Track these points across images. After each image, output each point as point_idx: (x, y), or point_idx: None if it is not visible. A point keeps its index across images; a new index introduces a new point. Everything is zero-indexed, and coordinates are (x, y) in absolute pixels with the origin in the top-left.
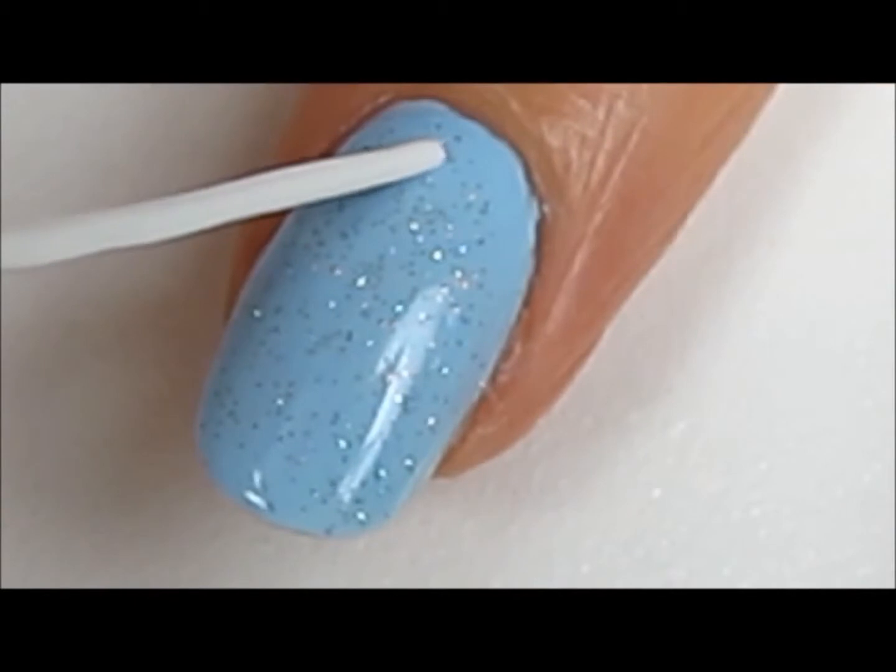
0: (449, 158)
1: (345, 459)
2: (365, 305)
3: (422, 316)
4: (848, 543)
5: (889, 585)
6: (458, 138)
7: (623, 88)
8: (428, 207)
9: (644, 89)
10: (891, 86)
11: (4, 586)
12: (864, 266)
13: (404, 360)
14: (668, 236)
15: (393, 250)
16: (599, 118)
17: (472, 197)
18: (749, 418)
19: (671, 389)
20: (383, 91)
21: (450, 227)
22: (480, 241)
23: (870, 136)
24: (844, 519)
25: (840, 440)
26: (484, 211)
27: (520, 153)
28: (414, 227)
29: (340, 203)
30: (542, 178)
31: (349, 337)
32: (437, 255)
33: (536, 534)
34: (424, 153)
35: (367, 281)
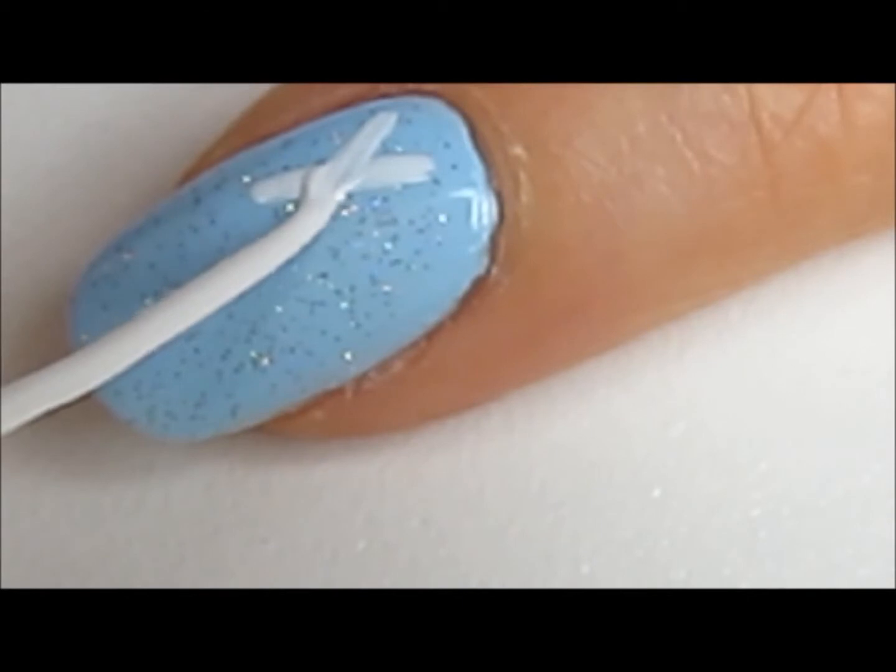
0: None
1: (178, 375)
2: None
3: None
4: (848, 543)
5: (889, 585)
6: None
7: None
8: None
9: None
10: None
11: (4, 586)
12: (865, 265)
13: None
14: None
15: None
16: None
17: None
18: (749, 418)
19: (671, 389)
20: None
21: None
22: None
23: None
24: (844, 519)
25: (840, 440)
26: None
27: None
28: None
29: None
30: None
31: None
32: None
33: (536, 534)
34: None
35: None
